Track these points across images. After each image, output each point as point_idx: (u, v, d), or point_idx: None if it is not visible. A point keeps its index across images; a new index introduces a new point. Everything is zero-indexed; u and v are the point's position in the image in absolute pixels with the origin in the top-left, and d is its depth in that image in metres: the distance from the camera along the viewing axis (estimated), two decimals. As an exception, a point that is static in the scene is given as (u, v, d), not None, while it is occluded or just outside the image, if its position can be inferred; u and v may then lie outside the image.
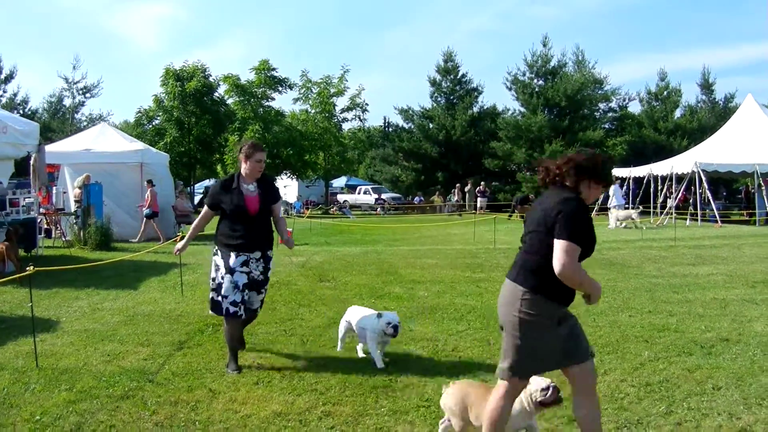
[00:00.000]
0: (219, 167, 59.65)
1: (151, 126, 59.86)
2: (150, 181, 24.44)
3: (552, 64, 59.78)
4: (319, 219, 42.48)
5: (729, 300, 12.45)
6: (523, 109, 60.74)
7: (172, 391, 7.18)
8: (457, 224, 36.24)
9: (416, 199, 58.98)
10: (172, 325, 10.52)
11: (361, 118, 61.20)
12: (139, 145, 28.11)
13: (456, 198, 51.78)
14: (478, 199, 49.78)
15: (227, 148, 53.88)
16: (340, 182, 74.19)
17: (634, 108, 66.38)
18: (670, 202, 36.75)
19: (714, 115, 61.73)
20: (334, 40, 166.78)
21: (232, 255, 7.97)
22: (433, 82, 65.07)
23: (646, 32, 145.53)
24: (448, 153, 62.04)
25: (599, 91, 60.37)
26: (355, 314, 8.68)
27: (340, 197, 63.00)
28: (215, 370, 7.95)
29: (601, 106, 62.41)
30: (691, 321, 10.71)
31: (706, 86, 66.17)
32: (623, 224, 32.59)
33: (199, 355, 8.67)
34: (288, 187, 60.66)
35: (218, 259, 8.10)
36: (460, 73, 64.73)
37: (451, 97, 64.57)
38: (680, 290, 13.71)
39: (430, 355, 8.70)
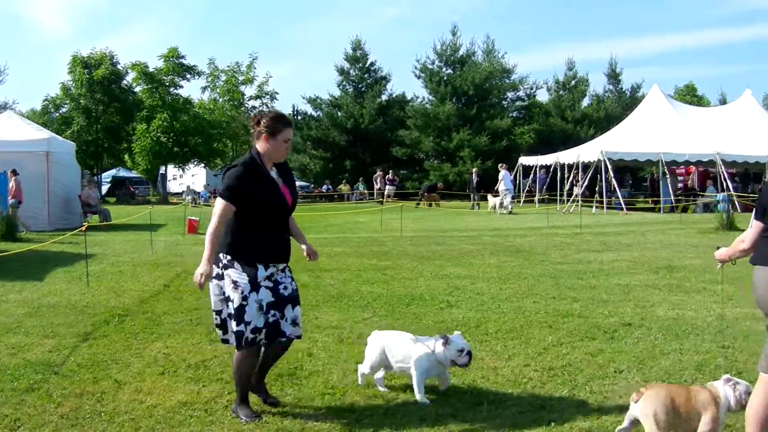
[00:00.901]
0: (127, 156, 59.08)
1: (58, 114, 59.21)
2: (14, 171, 23.98)
3: (461, 52, 60.56)
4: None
5: (632, 286, 12.80)
6: (431, 98, 61.34)
7: (77, 382, 7.13)
8: (364, 212, 36.31)
9: (324, 187, 58.96)
10: (78, 316, 10.42)
11: (270, 106, 61.40)
12: (45, 133, 27.82)
13: (378, 186, 51.73)
14: (387, 187, 49.97)
15: (135, 136, 53.38)
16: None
17: (542, 97, 67.79)
18: (577, 190, 37.48)
19: (620, 104, 63.10)
20: (245, 27, 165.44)
21: (260, 267, 6.12)
22: (342, 71, 65.21)
23: (556, 22, 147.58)
24: (357, 141, 62.44)
25: (507, 80, 61.23)
26: (397, 343, 6.85)
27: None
28: (121, 361, 7.92)
29: (509, 94, 63.71)
30: (594, 306, 10.95)
31: (614, 76, 67.69)
32: (498, 211, 34.27)
33: (105, 346, 8.61)
34: (196, 176, 60.50)
35: (235, 274, 6.07)
36: (368, 62, 65.12)
37: (360, 86, 64.85)
38: (585, 276, 14.06)
39: (336, 342, 8.70)
